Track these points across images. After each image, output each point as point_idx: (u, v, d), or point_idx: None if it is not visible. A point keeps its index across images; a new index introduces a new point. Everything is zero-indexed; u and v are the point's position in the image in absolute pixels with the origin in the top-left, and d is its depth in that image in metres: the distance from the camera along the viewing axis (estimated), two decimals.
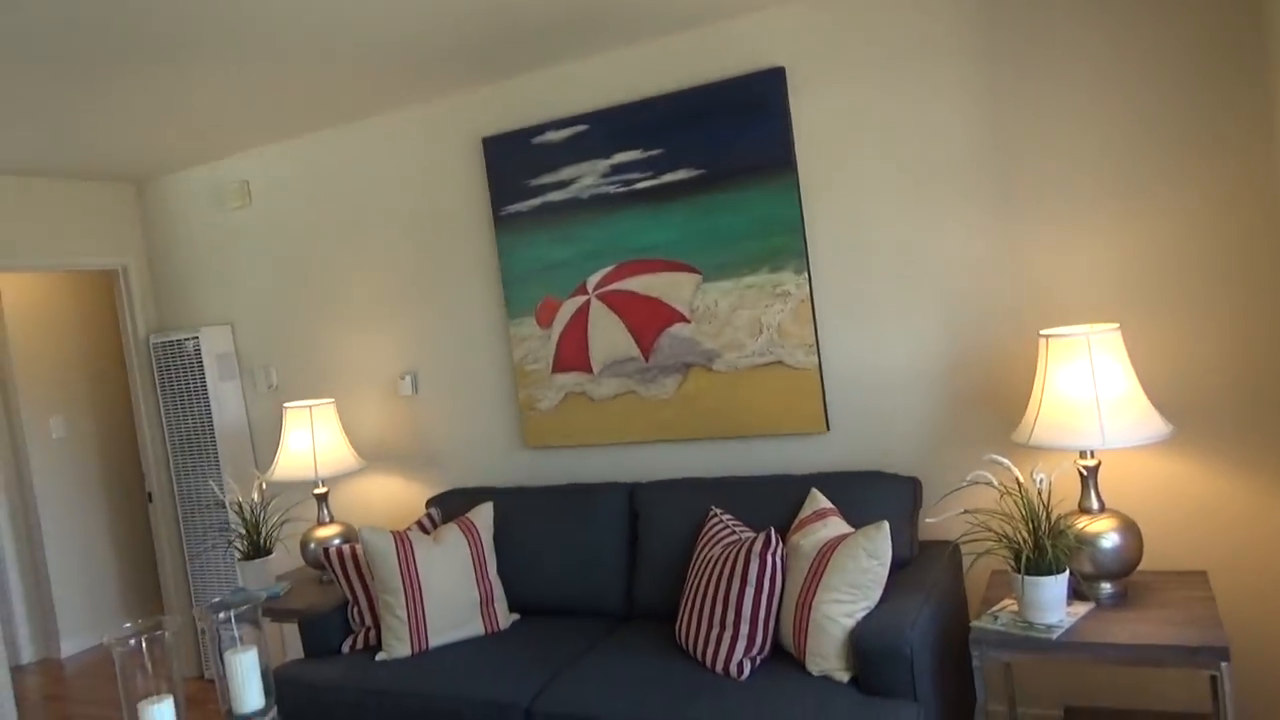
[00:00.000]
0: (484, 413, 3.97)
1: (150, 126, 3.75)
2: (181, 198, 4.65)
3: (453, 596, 3.22)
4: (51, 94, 3.15)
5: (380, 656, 3.15)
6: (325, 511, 3.91)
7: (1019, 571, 2.37)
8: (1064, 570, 2.36)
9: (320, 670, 3.15)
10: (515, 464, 3.93)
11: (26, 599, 5.56)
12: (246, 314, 4.55)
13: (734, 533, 2.97)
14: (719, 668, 2.68)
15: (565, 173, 3.60)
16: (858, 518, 2.91)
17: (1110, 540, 2.47)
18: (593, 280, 3.60)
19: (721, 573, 2.78)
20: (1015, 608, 2.49)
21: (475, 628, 3.25)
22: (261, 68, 3.17)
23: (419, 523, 3.57)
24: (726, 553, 2.82)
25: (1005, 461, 2.53)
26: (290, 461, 3.88)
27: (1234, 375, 2.74)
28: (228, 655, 2.04)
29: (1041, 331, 2.64)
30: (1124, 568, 2.49)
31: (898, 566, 2.90)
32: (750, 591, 2.69)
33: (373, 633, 3.31)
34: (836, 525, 2.82)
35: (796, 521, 2.93)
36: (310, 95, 3.59)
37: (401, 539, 3.24)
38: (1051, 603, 2.37)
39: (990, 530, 2.47)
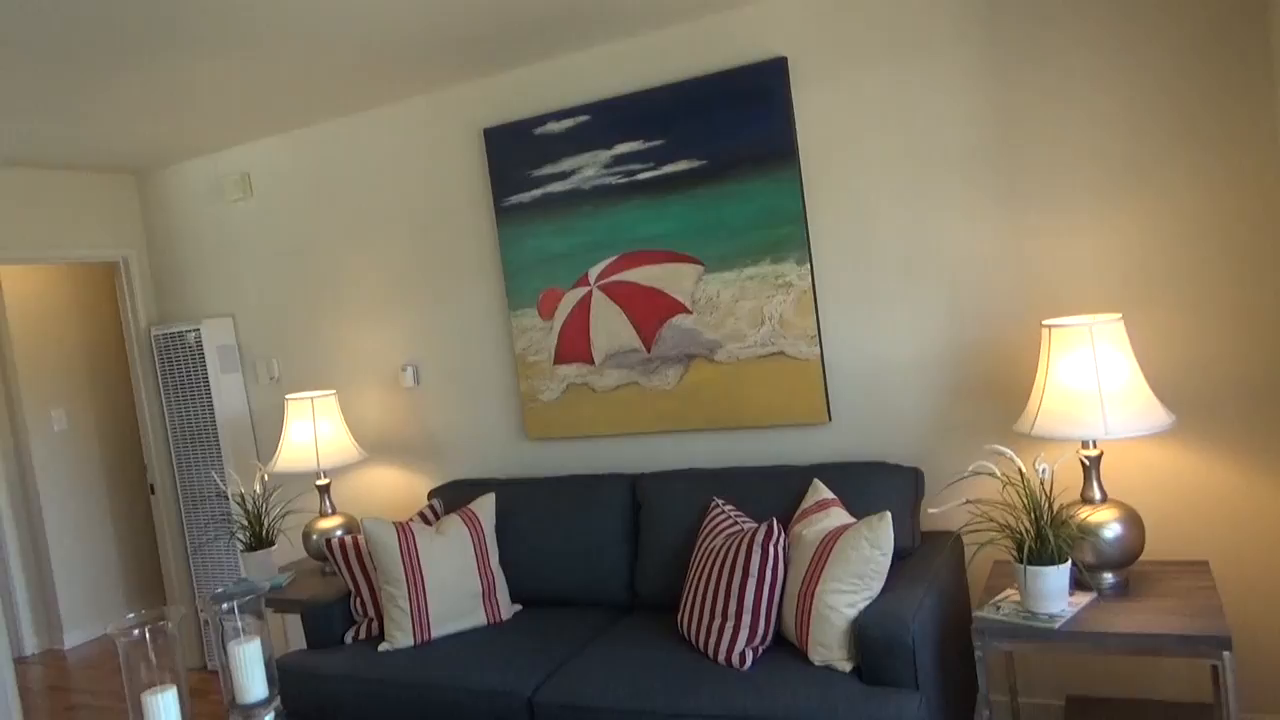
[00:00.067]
0: (486, 404, 3.97)
1: (151, 119, 3.74)
2: (182, 189, 4.64)
3: (455, 587, 3.22)
4: (52, 86, 3.14)
5: (383, 647, 3.16)
6: (327, 503, 3.92)
7: (1021, 561, 2.37)
8: (1066, 560, 2.36)
9: (323, 660, 3.16)
10: (517, 455, 3.93)
11: (29, 591, 5.58)
12: (248, 306, 4.55)
13: (736, 523, 2.97)
14: (721, 658, 2.68)
15: (566, 164, 3.59)
16: (860, 508, 2.91)
17: (1112, 530, 2.47)
18: (594, 271, 3.60)
19: (724, 563, 2.78)
20: (1017, 598, 2.50)
21: (478, 618, 3.26)
22: (262, 60, 3.16)
23: (421, 514, 3.57)
24: (729, 543, 2.83)
25: (1008, 452, 2.53)
26: (292, 453, 3.89)
27: (1237, 365, 2.74)
28: (231, 646, 2.05)
29: (1044, 321, 2.63)
30: (1126, 558, 2.49)
31: (900, 557, 2.90)
32: (753, 582, 2.69)
33: (375, 623, 3.32)
34: (839, 515, 2.82)
35: (799, 512, 2.93)
36: (311, 87, 3.58)
37: (404, 530, 3.24)
38: (1053, 592, 2.37)
39: (992, 520, 2.48)
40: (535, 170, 3.66)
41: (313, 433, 3.86)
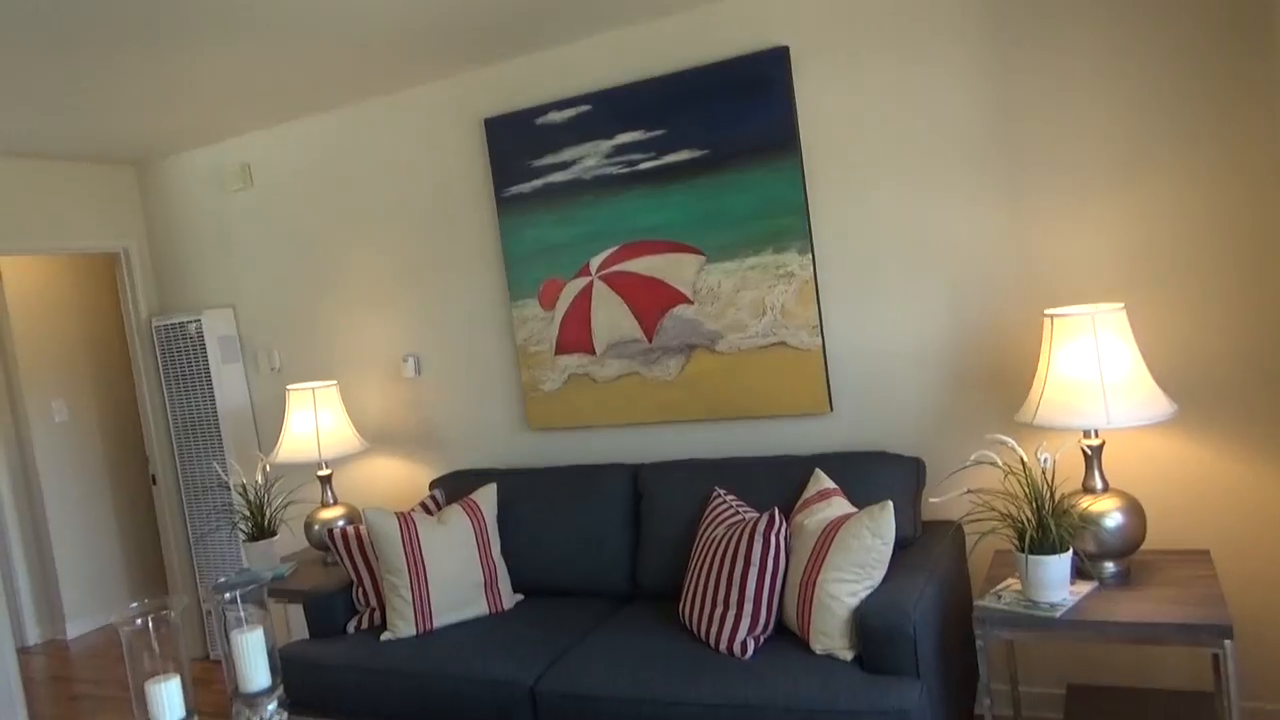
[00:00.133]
0: (487, 394, 3.97)
1: (151, 109, 3.73)
2: (183, 180, 4.63)
3: (457, 577, 3.23)
4: (52, 75, 3.13)
5: (385, 636, 3.17)
6: (329, 493, 3.92)
7: (1022, 551, 2.37)
8: (1067, 549, 2.36)
9: (326, 650, 3.17)
10: (519, 445, 3.93)
11: (32, 581, 5.59)
12: (249, 297, 4.55)
13: (738, 513, 2.98)
14: (723, 647, 2.69)
15: (567, 154, 3.59)
16: (861, 498, 2.92)
17: (1114, 519, 2.47)
18: (596, 261, 3.59)
19: (725, 552, 2.79)
20: (1018, 587, 2.50)
21: (479, 608, 3.26)
22: (262, 49, 3.15)
23: (423, 504, 3.58)
24: (730, 533, 2.83)
25: (1009, 441, 2.52)
26: (294, 444, 3.89)
27: (1239, 355, 2.74)
28: (234, 635, 2.05)
29: (1046, 311, 2.63)
30: (1127, 547, 2.49)
31: (901, 546, 2.91)
32: (754, 571, 2.69)
33: (377, 613, 3.33)
34: (840, 505, 2.83)
35: (800, 502, 2.93)
36: (311, 77, 3.57)
37: (405, 520, 3.25)
38: (1055, 582, 2.37)
39: (994, 510, 2.48)
40: (536, 160, 3.65)
41: (314, 423, 3.86)
